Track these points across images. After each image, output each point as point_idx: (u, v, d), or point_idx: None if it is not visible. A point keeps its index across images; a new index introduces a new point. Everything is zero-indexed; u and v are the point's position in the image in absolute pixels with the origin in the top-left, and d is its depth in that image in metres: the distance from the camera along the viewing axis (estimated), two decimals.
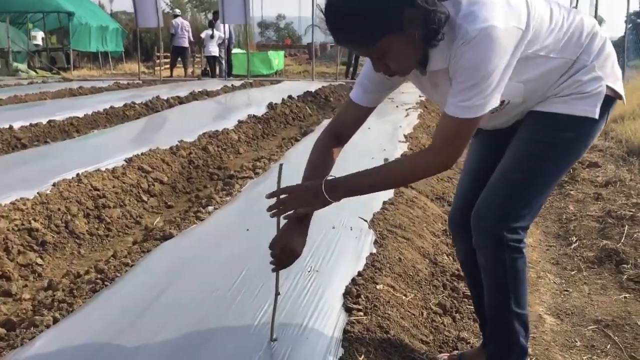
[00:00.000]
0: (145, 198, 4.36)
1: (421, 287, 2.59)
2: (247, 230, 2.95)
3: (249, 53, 16.16)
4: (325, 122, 7.13)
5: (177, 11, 18.38)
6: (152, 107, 8.88)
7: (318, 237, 2.80)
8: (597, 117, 1.65)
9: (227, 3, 13.81)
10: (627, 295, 2.74)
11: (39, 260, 3.18)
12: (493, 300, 1.80)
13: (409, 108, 8.50)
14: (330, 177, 1.69)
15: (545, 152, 1.69)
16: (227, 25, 15.21)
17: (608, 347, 2.29)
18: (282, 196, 1.69)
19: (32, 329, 2.01)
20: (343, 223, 3.07)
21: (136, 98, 9.12)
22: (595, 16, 13.50)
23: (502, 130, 1.82)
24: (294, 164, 4.82)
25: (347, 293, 2.24)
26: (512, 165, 1.72)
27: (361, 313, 2.10)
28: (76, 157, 4.88)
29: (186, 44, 16.57)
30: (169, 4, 33.75)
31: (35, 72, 17.71)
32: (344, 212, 3.17)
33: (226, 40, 15.67)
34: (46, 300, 2.36)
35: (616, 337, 2.34)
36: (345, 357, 1.79)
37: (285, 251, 1.72)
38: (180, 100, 9.71)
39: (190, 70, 17.86)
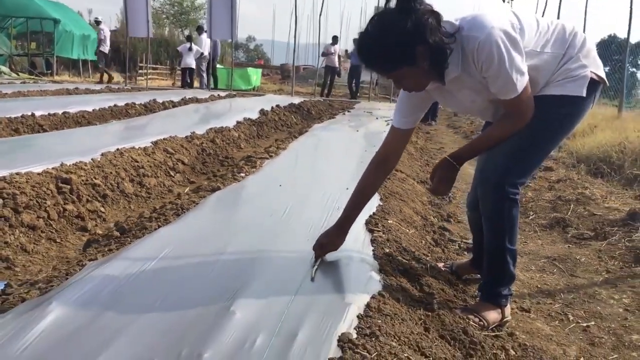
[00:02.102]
0: (172, 174, 5.08)
1: (417, 229, 3.40)
2: (280, 185, 3.73)
3: (232, 68, 16.90)
4: (316, 126, 7.98)
5: (100, 18, 18.43)
6: (150, 108, 9.58)
7: (337, 194, 3.58)
8: (584, 95, 2.11)
9: (215, 19, 14.62)
10: (570, 245, 3.61)
11: (102, 209, 3.87)
12: (492, 240, 2.27)
13: (386, 120, 9.43)
14: (450, 152, 2.27)
15: (544, 124, 2.12)
16: (213, 41, 15.99)
17: (555, 270, 3.14)
18: (435, 184, 2.27)
19: (143, 230, 2.73)
20: (354, 186, 3.86)
21: (133, 100, 9.78)
22: None
23: None
24: (297, 149, 5.70)
25: (367, 222, 3.03)
26: (515, 135, 2.14)
27: (380, 232, 2.89)
28: (107, 138, 5.57)
29: (107, 50, 17.43)
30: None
31: (17, 74, 18.11)
32: (353, 182, 3.97)
33: (209, 55, 16.44)
34: (146, 216, 3.08)
35: (560, 265, 3.20)
36: (376, 249, 2.58)
37: (327, 250, 2.38)
38: (174, 104, 10.42)
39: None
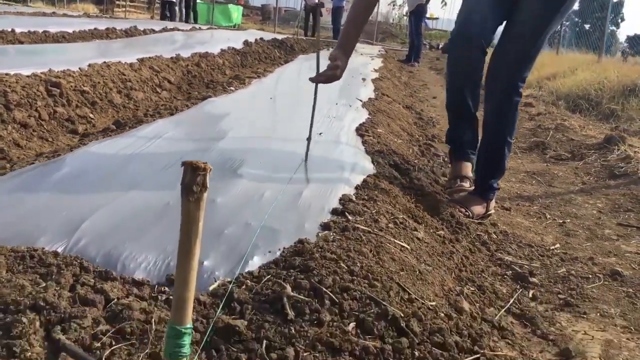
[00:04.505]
0: (159, 90, 5.07)
1: (404, 142, 3.51)
2: (271, 98, 3.78)
3: (213, 4, 16.54)
4: (301, 56, 7.96)
5: None
6: (131, 34, 9.40)
7: (326, 107, 3.65)
8: None
9: None
10: (548, 164, 3.76)
11: (91, 115, 3.88)
12: (495, 132, 2.43)
13: (370, 55, 9.44)
14: None
15: (547, 23, 2.31)
16: None
17: (533, 182, 3.29)
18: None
19: (140, 123, 2.78)
20: (342, 103, 3.94)
21: (113, 26, 9.58)
22: None
23: None
24: (284, 72, 5.72)
25: (358, 129, 3.12)
26: (524, 31, 2.31)
27: (371, 137, 2.98)
28: (93, 53, 5.49)
29: None
30: None
31: None
32: (341, 100, 4.05)
33: None
34: (141, 113, 3.11)
35: (539, 178, 3.35)
36: (367, 149, 2.68)
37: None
38: (155, 32, 10.22)
39: None
